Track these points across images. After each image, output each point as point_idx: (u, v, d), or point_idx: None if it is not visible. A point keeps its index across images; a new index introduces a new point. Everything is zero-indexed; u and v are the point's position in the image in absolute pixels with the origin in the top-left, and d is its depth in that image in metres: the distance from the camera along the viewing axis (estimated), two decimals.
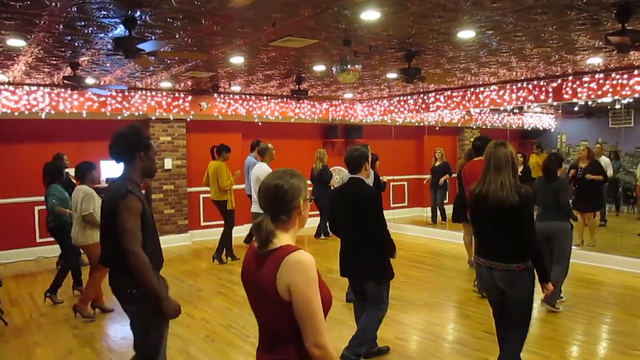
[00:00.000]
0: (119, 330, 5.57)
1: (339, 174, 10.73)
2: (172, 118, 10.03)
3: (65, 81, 7.09)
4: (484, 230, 3.74)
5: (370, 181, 5.98)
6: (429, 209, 12.07)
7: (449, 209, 11.92)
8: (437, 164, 11.55)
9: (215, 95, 10.29)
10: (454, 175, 11.89)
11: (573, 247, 8.00)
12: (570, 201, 8.97)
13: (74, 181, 7.52)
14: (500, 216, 3.52)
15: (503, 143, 3.64)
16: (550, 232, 5.74)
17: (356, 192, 4.29)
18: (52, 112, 8.75)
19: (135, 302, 3.05)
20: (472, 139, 13.14)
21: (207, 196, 8.90)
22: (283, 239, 1.97)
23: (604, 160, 9.85)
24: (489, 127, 12.74)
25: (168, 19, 4.79)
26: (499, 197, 3.48)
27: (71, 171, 7.91)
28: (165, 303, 3.03)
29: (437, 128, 12.77)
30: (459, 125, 13.20)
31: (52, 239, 6.87)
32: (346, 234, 4.41)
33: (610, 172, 9.97)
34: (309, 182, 10.12)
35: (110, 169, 8.83)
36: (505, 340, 3.81)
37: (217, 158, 8.46)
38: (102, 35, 5.31)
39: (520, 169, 10.01)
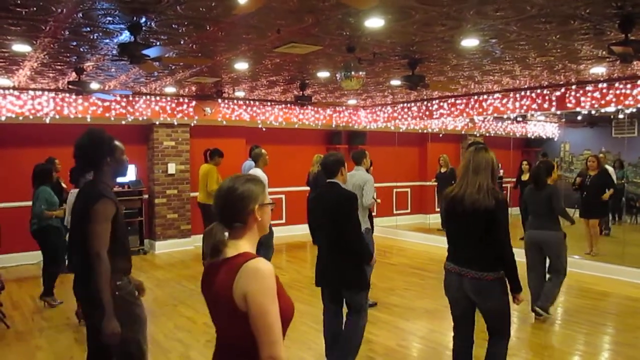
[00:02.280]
0: None
1: None
2: (176, 123, 10.06)
3: (70, 86, 7.12)
4: (457, 236, 3.59)
5: (370, 186, 5.97)
6: (432, 216, 12.07)
7: None
8: (443, 170, 11.57)
9: (219, 100, 10.33)
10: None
11: (576, 256, 8.06)
12: (577, 210, 9.02)
13: (64, 185, 7.53)
14: (475, 220, 3.38)
15: (484, 148, 3.51)
16: (541, 241, 5.70)
17: (333, 196, 4.17)
18: (57, 116, 8.80)
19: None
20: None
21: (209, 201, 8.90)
22: (238, 246, 1.88)
23: (608, 169, 9.87)
24: (492, 134, 12.74)
25: (173, 25, 4.82)
26: (475, 199, 3.35)
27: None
28: (107, 319, 2.85)
29: (440, 135, 12.78)
30: (463, 132, 13.21)
31: None
32: (324, 240, 4.27)
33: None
34: (306, 187, 10.20)
35: None
36: (488, 353, 3.65)
37: (208, 162, 8.49)
38: (107, 40, 5.34)
39: (527, 176, 10.05)
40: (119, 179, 9.30)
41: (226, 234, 1.94)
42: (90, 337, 3.09)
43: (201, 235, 8.03)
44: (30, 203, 6.42)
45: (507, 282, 3.46)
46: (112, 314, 2.86)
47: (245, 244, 1.90)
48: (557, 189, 5.79)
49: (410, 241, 11.00)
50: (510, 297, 3.50)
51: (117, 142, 3.14)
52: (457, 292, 3.56)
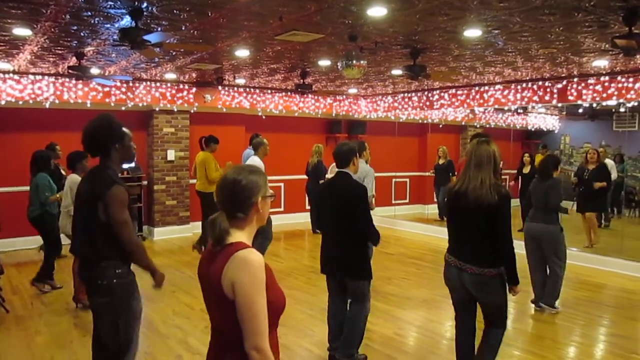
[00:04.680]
0: None
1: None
2: (175, 110, 10.03)
3: (70, 71, 7.09)
4: (459, 230, 3.60)
5: (371, 180, 5.91)
6: (430, 206, 12.11)
7: None
8: (441, 162, 11.58)
9: (220, 87, 10.29)
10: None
11: (574, 249, 8.08)
12: (574, 203, 9.03)
13: (64, 172, 7.50)
14: (477, 215, 3.39)
15: (487, 140, 3.51)
16: (537, 234, 5.69)
17: (343, 187, 4.21)
18: (57, 101, 8.77)
19: (107, 294, 3.01)
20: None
21: None
22: (237, 236, 1.91)
23: (609, 163, 9.84)
24: (492, 126, 12.73)
25: (174, 11, 4.79)
26: (478, 195, 3.36)
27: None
28: (157, 276, 3.23)
29: (440, 126, 12.77)
30: (463, 123, 13.20)
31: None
32: (330, 228, 4.33)
33: (614, 175, 9.96)
34: (305, 176, 10.20)
35: None
36: (483, 341, 3.72)
37: (204, 149, 8.46)
38: (108, 25, 5.31)
39: (528, 169, 10.06)
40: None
41: None
42: (94, 318, 3.17)
43: (199, 223, 8.07)
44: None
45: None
46: (156, 269, 3.22)
47: (243, 234, 1.93)
48: (558, 182, 5.77)
49: (408, 231, 11.03)
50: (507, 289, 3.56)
51: (125, 129, 3.18)
52: (456, 282, 3.61)
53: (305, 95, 11.33)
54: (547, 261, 5.73)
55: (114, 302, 3.00)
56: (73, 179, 5.68)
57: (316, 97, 11.71)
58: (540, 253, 5.73)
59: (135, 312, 3.13)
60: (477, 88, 9.78)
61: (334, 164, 4.50)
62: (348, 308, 4.39)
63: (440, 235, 10.41)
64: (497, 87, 9.41)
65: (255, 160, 6.84)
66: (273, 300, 1.84)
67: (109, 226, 2.96)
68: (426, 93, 10.85)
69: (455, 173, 11.46)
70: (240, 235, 1.92)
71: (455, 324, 3.84)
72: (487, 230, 3.39)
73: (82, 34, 5.73)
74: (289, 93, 11.27)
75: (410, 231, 11.04)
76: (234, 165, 2.05)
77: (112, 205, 2.93)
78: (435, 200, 12.06)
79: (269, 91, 11.03)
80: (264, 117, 11.06)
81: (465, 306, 3.71)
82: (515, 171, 10.81)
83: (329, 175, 10.22)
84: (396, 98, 11.65)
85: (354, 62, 5.93)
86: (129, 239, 2.99)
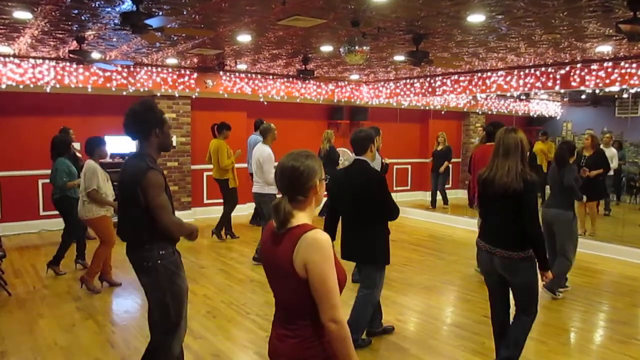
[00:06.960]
0: (122, 304, 5.65)
1: (343, 156, 10.69)
2: (177, 95, 10.00)
3: (71, 55, 7.06)
4: (489, 215, 3.77)
5: (377, 164, 5.92)
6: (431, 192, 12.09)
7: (450, 194, 12.01)
8: (439, 148, 11.54)
9: (221, 73, 10.25)
10: (455, 160, 11.92)
11: None
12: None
13: (79, 155, 7.58)
14: (505, 202, 3.54)
15: (514, 129, 3.65)
16: (550, 218, 5.78)
17: (361, 174, 4.25)
18: (57, 86, 8.74)
19: (152, 274, 3.16)
20: (477, 125, 13.15)
21: (210, 174, 8.93)
22: (300, 218, 2.03)
23: (611, 151, 9.78)
24: (494, 112, 12.67)
25: None
26: (504, 182, 3.51)
27: (77, 145, 7.96)
28: (190, 235, 3.33)
29: (442, 112, 12.72)
30: (465, 110, 13.14)
31: (55, 212, 6.89)
32: (348, 216, 4.38)
33: (615, 163, 9.92)
34: None
35: (116, 145, 8.85)
36: (512, 326, 3.83)
37: (217, 136, 8.45)
38: (109, 9, 5.28)
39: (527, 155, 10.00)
40: (119, 152, 9.26)
41: None
42: (147, 295, 3.33)
43: (202, 208, 8.20)
44: (36, 173, 6.44)
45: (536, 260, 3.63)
46: (190, 229, 3.32)
47: (305, 216, 2.06)
48: (572, 167, 5.86)
49: (409, 218, 11.04)
50: (539, 275, 3.68)
51: (166, 116, 3.29)
52: (489, 267, 3.76)
53: (307, 81, 11.29)
54: (557, 247, 5.77)
55: (160, 281, 3.14)
56: (88, 165, 5.71)
57: (318, 83, 11.66)
58: (551, 239, 5.78)
59: (182, 290, 3.24)
60: (479, 74, 9.73)
61: (343, 149, 4.51)
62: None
63: (441, 222, 10.45)
64: (500, 73, 9.37)
65: (264, 149, 6.74)
66: (337, 275, 1.96)
67: (149, 210, 3.07)
68: (428, 79, 10.80)
69: (451, 159, 11.43)
70: (302, 217, 2.04)
71: (490, 305, 3.96)
72: (514, 216, 3.53)
73: (82, 18, 5.70)
74: (290, 79, 11.23)
75: (412, 218, 11.05)
76: (291, 152, 2.14)
77: (148, 190, 3.04)
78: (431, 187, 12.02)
79: (271, 77, 10.98)
80: (265, 103, 11.03)
81: (498, 289, 3.84)
82: None
83: (340, 159, 10.26)
84: (398, 84, 11.60)
85: (357, 47, 5.90)
86: (166, 222, 3.10)
